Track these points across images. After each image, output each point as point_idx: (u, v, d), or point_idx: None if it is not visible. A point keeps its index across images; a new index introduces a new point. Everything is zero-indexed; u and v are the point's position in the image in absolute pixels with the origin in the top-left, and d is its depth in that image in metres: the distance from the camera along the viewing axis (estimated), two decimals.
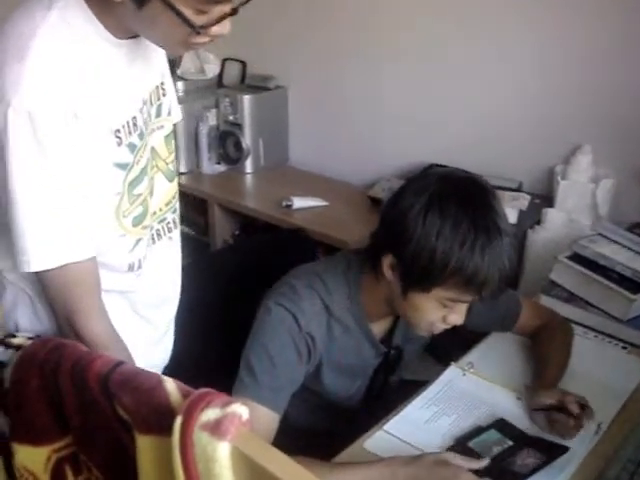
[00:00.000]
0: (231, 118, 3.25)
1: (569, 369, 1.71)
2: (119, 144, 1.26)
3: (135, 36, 1.25)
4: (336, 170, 3.24)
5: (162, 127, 1.44)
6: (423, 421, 1.58)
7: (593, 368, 1.77)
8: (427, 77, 2.89)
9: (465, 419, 1.59)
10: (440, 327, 1.55)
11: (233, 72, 3.54)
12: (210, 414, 0.78)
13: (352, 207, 2.92)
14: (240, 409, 0.79)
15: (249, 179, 3.31)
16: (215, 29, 1.14)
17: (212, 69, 3.55)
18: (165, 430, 0.82)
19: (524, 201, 2.57)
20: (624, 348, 1.89)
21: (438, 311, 1.49)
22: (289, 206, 2.87)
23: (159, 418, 0.84)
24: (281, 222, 2.81)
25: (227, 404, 0.79)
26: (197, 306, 1.73)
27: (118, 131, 1.26)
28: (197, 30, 1.12)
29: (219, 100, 3.29)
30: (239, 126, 3.23)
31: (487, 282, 1.41)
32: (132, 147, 1.29)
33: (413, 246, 1.41)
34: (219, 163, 3.38)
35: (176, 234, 1.53)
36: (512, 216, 2.43)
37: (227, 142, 3.32)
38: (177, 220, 1.53)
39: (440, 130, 2.92)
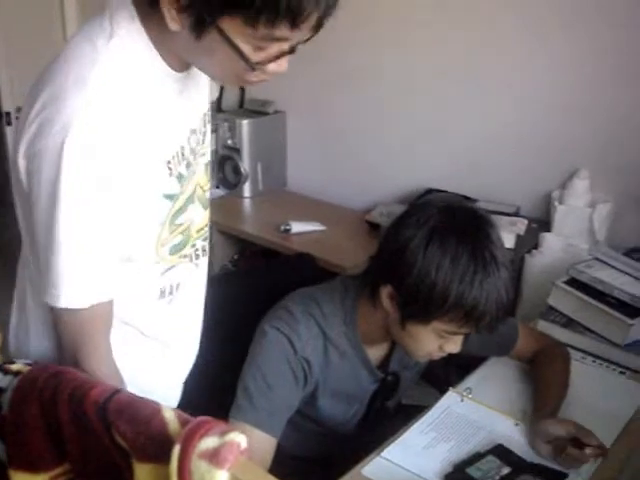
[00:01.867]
0: (230, 142, 3.27)
1: (568, 394, 1.70)
2: (170, 175, 1.25)
3: (188, 69, 1.24)
4: (334, 195, 3.25)
5: (204, 154, 1.43)
6: (421, 447, 1.58)
7: (591, 393, 1.76)
8: (425, 103, 2.91)
9: (463, 445, 1.58)
10: (436, 356, 1.55)
11: (232, 97, 3.56)
12: (209, 442, 0.78)
13: (350, 231, 2.93)
14: (238, 437, 0.79)
15: (247, 203, 3.32)
16: (272, 67, 1.13)
17: (211, 93, 3.57)
18: (163, 458, 0.82)
19: (521, 226, 2.58)
20: (622, 373, 1.89)
21: (435, 341, 1.50)
22: (287, 230, 2.87)
23: (157, 446, 0.84)
24: (279, 247, 2.82)
25: (225, 432, 0.79)
26: (203, 329, 1.74)
27: (169, 162, 1.25)
28: (253, 66, 1.11)
29: (218, 124, 3.30)
30: (237, 150, 3.25)
31: (485, 315, 1.42)
32: (180, 177, 1.28)
33: (413, 279, 1.42)
34: (217, 187, 3.39)
35: (203, 262, 1.50)
36: (509, 241, 2.44)
37: (226, 166, 3.33)
38: (207, 248, 1.50)
39: (438, 155, 2.93)
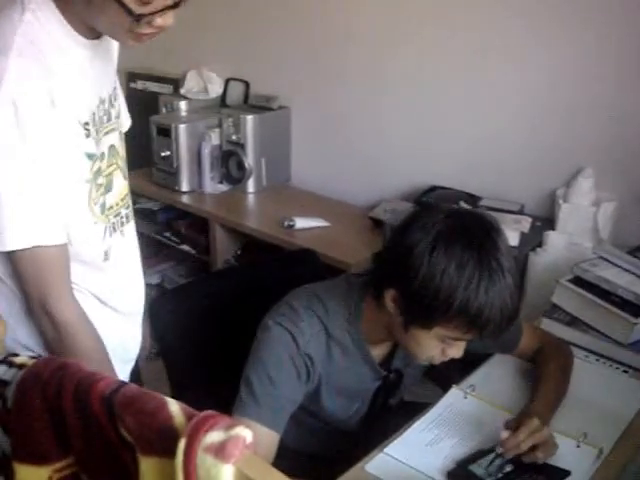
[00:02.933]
0: (234, 138, 3.27)
1: (570, 392, 1.71)
2: (87, 136, 1.37)
3: (98, 38, 1.37)
4: (338, 191, 3.26)
5: (116, 128, 1.54)
6: (424, 444, 1.58)
7: (594, 392, 1.77)
8: (429, 100, 2.91)
9: (466, 442, 1.59)
10: (439, 359, 1.55)
11: (236, 92, 3.56)
12: (214, 436, 0.78)
13: (354, 228, 2.93)
14: (244, 432, 0.78)
15: (251, 199, 3.33)
16: (158, 20, 1.23)
17: (215, 89, 3.58)
18: (169, 452, 0.82)
19: (526, 224, 2.58)
20: (625, 372, 1.89)
21: (438, 346, 1.50)
22: (291, 226, 2.88)
23: (163, 440, 0.84)
24: (283, 242, 2.82)
25: (231, 427, 0.79)
26: (205, 324, 1.74)
27: (87, 124, 1.37)
28: (136, 18, 1.20)
29: (222, 120, 3.30)
30: (242, 146, 3.25)
31: (489, 323, 1.41)
32: (96, 140, 1.41)
33: (417, 284, 1.41)
34: (221, 182, 3.39)
35: (128, 228, 1.62)
36: (514, 239, 2.43)
37: (230, 162, 3.33)
38: (130, 215, 1.63)
39: (442, 152, 2.93)
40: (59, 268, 1.37)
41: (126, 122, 1.72)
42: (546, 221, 2.62)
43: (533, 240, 2.52)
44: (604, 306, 1.97)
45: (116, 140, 1.53)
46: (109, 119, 1.49)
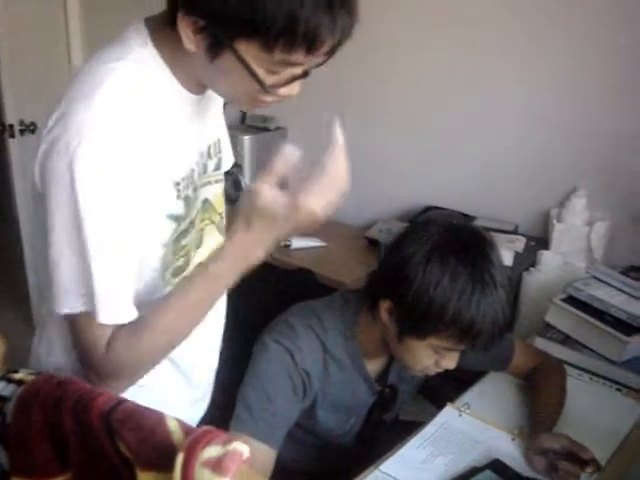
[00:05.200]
0: None
1: (564, 411, 1.72)
2: (178, 197, 1.26)
3: (203, 91, 1.26)
4: (335, 211, 3.26)
5: (219, 180, 1.45)
6: (419, 461, 1.59)
7: (588, 410, 1.78)
8: (425, 122, 2.94)
9: (461, 460, 1.60)
10: (433, 371, 1.57)
11: (234, 113, 3.58)
12: (212, 451, 0.80)
13: (350, 248, 2.94)
14: (241, 447, 0.80)
15: None
16: (284, 90, 1.16)
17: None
18: (166, 467, 0.83)
19: (520, 244, 2.60)
20: (619, 390, 1.91)
21: (431, 357, 1.53)
22: (288, 246, 2.88)
23: (161, 455, 0.85)
24: (280, 262, 2.82)
25: (228, 442, 0.80)
26: None
27: (178, 184, 1.25)
28: (266, 89, 1.13)
29: None
30: (239, 166, 3.26)
31: (481, 334, 1.44)
32: (187, 200, 1.29)
33: (411, 295, 1.44)
34: None
35: None
36: (508, 258, 2.45)
37: (227, 182, 3.33)
38: None
39: (438, 173, 2.95)
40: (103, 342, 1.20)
41: (227, 164, 1.58)
42: (540, 241, 2.64)
43: (527, 260, 2.54)
44: (597, 325, 1.99)
45: (212, 193, 1.42)
46: (205, 171, 1.37)
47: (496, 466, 1.57)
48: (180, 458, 0.80)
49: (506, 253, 2.45)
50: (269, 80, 1.12)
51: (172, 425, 0.87)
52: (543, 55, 2.57)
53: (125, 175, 1.12)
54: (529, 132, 2.67)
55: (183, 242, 1.31)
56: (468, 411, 1.75)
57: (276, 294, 1.86)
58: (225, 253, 1.18)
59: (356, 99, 3.11)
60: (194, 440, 0.81)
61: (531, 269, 2.50)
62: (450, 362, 1.55)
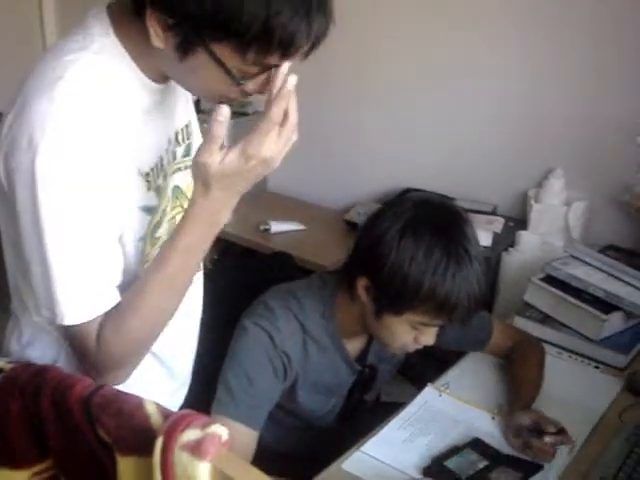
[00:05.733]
0: None
1: (543, 388, 1.73)
2: (149, 188, 1.23)
3: (167, 81, 1.23)
4: (313, 194, 3.27)
5: (189, 167, 1.36)
6: (400, 441, 1.60)
7: (567, 388, 1.80)
8: (403, 104, 2.94)
9: (441, 439, 1.61)
10: (412, 347, 1.58)
11: None
12: (190, 435, 0.80)
13: (329, 231, 2.95)
14: (220, 429, 0.80)
15: None
16: (251, 87, 1.14)
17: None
18: (146, 451, 0.83)
19: (498, 224, 2.62)
20: (597, 367, 1.93)
21: (409, 333, 1.53)
22: (267, 230, 2.88)
23: (140, 439, 0.85)
24: (259, 246, 2.83)
25: (207, 425, 0.80)
26: None
27: (148, 174, 1.23)
28: (239, 87, 1.12)
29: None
30: None
31: (457, 308, 1.45)
32: (158, 190, 1.27)
33: (387, 271, 1.45)
34: None
35: (197, 276, 1.49)
36: (486, 239, 2.47)
37: None
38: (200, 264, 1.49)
39: (416, 155, 2.96)
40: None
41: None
42: (518, 221, 2.66)
43: (506, 240, 2.56)
44: (575, 303, 2.00)
45: (182, 180, 1.36)
46: (174, 158, 1.34)
47: (476, 445, 1.58)
48: (159, 442, 0.81)
49: (485, 234, 2.46)
50: (240, 77, 1.10)
51: (151, 409, 0.87)
52: (522, 37, 2.58)
53: (92, 170, 1.09)
54: (507, 113, 2.68)
55: (157, 234, 1.29)
56: (448, 391, 1.77)
57: (255, 277, 1.86)
58: (189, 225, 1.16)
59: (334, 82, 3.10)
60: (173, 424, 0.81)
61: (510, 249, 2.52)
62: (428, 338, 1.55)
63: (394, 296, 1.46)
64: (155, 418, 0.86)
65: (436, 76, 2.81)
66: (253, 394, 1.52)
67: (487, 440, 1.60)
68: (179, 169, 1.36)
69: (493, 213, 2.72)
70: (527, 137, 2.65)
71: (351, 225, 2.85)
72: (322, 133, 3.22)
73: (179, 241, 1.16)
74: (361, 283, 1.52)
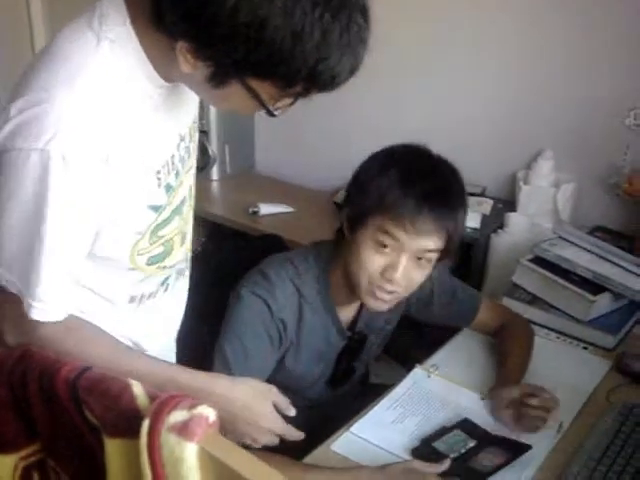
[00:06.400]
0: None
1: (532, 369, 1.74)
2: (159, 186, 1.22)
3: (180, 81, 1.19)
4: (302, 176, 3.26)
5: (192, 166, 1.39)
6: (389, 422, 1.61)
7: (555, 368, 1.80)
8: (393, 85, 2.92)
9: (430, 420, 1.62)
10: (382, 285, 1.54)
11: None
12: (177, 416, 0.79)
13: (318, 213, 2.94)
14: (207, 411, 0.80)
15: (215, 186, 3.31)
16: (279, 111, 1.14)
17: None
18: (133, 433, 0.83)
19: (487, 206, 2.62)
20: (585, 348, 1.93)
21: (375, 257, 1.52)
22: (256, 212, 2.88)
23: (127, 421, 0.85)
24: (248, 228, 2.82)
25: (194, 406, 0.80)
26: None
27: (159, 172, 1.22)
28: (272, 114, 1.11)
29: None
30: (205, 133, 3.23)
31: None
32: (168, 188, 1.25)
33: (353, 181, 1.65)
34: None
35: (179, 283, 1.51)
36: (475, 220, 2.47)
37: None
38: (186, 268, 1.53)
39: (404, 136, 2.92)
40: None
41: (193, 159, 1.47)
42: (507, 203, 2.66)
43: (495, 222, 2.55)
44: (564, 284, 2.01)
45: (188, 180, 1.37)
46: (189, 155, 1.33)
47: (465, 425, 1.59)
48: (146, 424, 0.80)
49: (474, 215, 2.46)
50: (271, 103, 1.10)
51: (137, 391, 0.86)
52: (512, 21, 2.57)
53: (103, 171, 1.08)
54: (496, 95, 2.68)
55: (162, 232, 1.28)
56: (437, 372, 1.77)
57: (242, 261, 1.85)
58: (196, 381, 1.26)
59: None
60: (160, 405, 0.81)
61: (499, 231, 2.52)
62: (395, 272, 1.50)
63: (355, 196, 1.58)
64: (142, 400, 0.86)
65: (426, 59, 2.80)
66: (249, 367, 1.53)
67: (476, 421, 1.61)
68: (191, 168, 1.36)
69: (482, 195, 2.72)
70: (516, 119, 2.64)
71: (340, 207, 2.84)
72: (311, 116, 3.20)
73: (177, 374, 1.25)
74: (343, 216, 1.60)
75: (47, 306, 1.15)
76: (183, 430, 0.78)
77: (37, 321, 1.16)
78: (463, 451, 1.50)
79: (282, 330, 1.60)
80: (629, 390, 1.75)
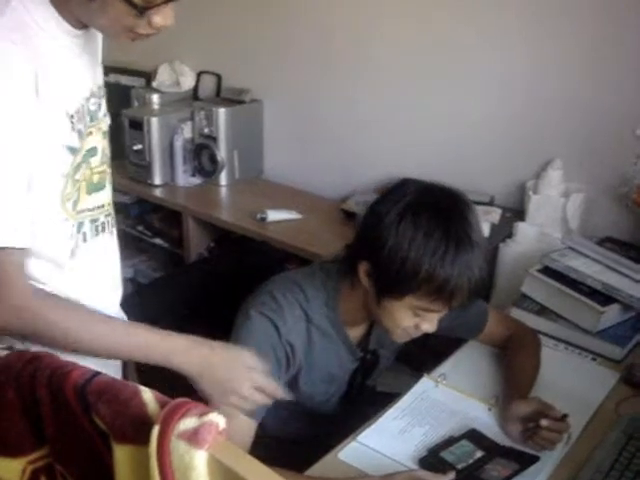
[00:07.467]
0: (206, 131, 3.26)
1: (540, 380, 1.73)
2: (72, 129, 1.32)
3: (86, 27, 1.34)
4: (310, 183, 3.26)
5: (102, 127, 1.47)
6: (396, 432, 1.60)
7: (563, 379, 1.79)
8: (402, 94, 2.92)
9: (437, 430, 1.61)
10: (413, 334, 1.58)
11: (208, 85, 3.55)
12: (187, 423, 0.79)
13: (326, 220, 2.94)
14: (217, 418, 0.80)
15: (224, 192, 3.32)
16: (158, 20, 1.23)
17: (187, 82, 3.56)
18: (142, 439, 0.83)
19: (496, 215, 2.61)
20: (594, 359, 1.92)
21: (410, 319, 1.53)
22: (263, 219, 2.88)
23: (136, 428, 0.85)
24: (255, 235, 2.82)
25: (204, 413, 0.80)
26: (179, 317, 1.74)
27: (72, 116, 1.32)
28: (140, 10, 1.20)
29: (194, 113, 3.29)
30: (214, 139, 3.24)
31: (456, 292, 1.45)
32: (80, 134, 1.35)
33: (386, 253, 1.45)
34: (194, 176, 3.38)
35: (105, 238, 1.53)
36: (484, 230, 2.46)
37: (202, 155, 3.32)
38: (110, 223, 1.54)
39: (414, 145, 2.95)
40: (17, 271, 1.26)
41: (106, 120, 1.56)
42: (516, 212, 2.64)
43: (503, 231, 2.54)
44: (573, 295, 2.00)
45: (97, 142, 1.44)
46: (100, 109, 1.44)
47: (473, 436, 1.58)
48: (155, 431, 0.80)
49: (482, 225, 2.45)
50: (142, 2, 1.20)
51: (147, 397, 0.86)
52: (519, 26, 2.56)
53: (21, 108, 1.19)
54: (505, 103, 2.67)
55: (77, 176, 1.37)
56: (444, 382, 1.76)
57: (236, 265, 1.86)
58: (165, 343, 1.36)
59: (332, 71, 3.09)
60: (169, 412, 0.81)
61: (507, 240, 2.51)
62: (430, 325, 1.55)
63: (394, 279, 1.46)
64: (151, 406, 0.86)
65: (435, 66, 2.80)
66: None
67: (483, 431, 1.60)
68: (100, 128, 1.45)
69: (490, 204, 2.71)
70: (525, 128, 2.64)
71: (348, 215, 2.85)
72: (320, 123, 3.21)
73: (146, 336, 1.35)
74: (362, 268, 1.53)
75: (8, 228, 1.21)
76: (193, 437, 0.78)
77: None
78: (471, 461, 1.49)
79: (290, 353, 1.58)
80: (638, 402, 1.74)
